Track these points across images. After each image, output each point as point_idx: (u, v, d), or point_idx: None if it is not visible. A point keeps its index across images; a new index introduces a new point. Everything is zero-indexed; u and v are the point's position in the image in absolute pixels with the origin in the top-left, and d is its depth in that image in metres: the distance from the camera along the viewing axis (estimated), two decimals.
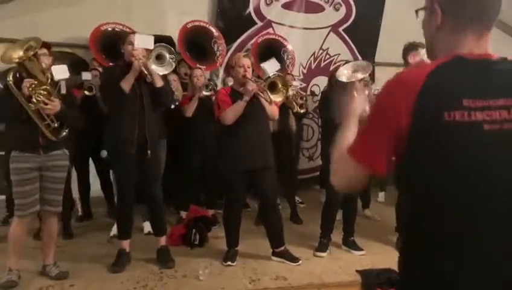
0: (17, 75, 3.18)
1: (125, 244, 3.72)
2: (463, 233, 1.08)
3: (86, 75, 4.69)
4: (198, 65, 5.03)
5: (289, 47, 5.87)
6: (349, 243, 4.16)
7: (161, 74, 3.54)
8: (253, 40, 5.93)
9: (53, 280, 3.38)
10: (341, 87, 3.89)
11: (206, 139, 4.62)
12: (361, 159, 1.16)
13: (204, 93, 4.57)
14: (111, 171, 4.54)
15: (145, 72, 3.41)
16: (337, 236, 4.22)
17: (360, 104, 1.46)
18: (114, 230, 4.26)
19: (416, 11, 1.25)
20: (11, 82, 3.09)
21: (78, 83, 4.76)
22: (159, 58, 3.54)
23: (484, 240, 1.08)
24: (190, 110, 4.60)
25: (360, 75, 3.97)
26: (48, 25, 5.29)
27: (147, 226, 4.38)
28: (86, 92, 4.55)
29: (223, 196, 4.90)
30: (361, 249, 4.10)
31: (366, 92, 3.92)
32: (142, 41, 3.44)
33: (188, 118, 4.61)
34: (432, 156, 1.07)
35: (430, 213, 1.11)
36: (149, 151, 3.53)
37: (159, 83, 3.51)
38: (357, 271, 3.41)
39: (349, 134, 1.30)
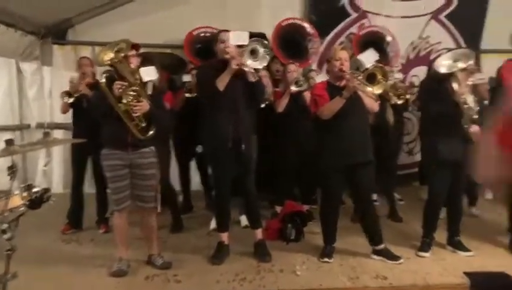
0: (110, 77, 3.34)
1: (224, 236, 3.81)
2: None
3: (186, 77, 4.85)
4: (291, 61, 5.00)
5: (391, 39, 5.62)
6: (455, 243, 3.91)
7: (257, 68, 3.56)
8: (350, 31, 5.78)
9: (158, 270, 3.56)
10: (440, 79, 3.69)
11: (300, 134, 4.58)
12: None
13: (294, 88, 4.54)
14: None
15: (242, 68, 3.46)
16: (440, 235, 3.98)
17: None
18: (213, 223, 4.39)
19: None
20: (103, 83, 3.27)
21: (179, 84, 4.97)
22: (253, 52, 3.55)
23: None
24: (281, 105, 4.60)
25: (461, 65, 3.72)
26: (150, 28, 5.61)
27: (244, 220, 4.46)
28: (187, 94, 4.70)
29: (316, 192, 4.88)
30: (469, 250, 3.83)
31: (470, 82, 3.68)
32: (237, 38, 3.48)
33: (281, 113, 4.61)
34: None
35: None
36: (243, 146, 3.58)
37: (253, 78, 3.54)
38: (464, 273, 3.17)
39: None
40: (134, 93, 3.28)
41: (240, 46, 3.53)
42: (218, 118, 3.59)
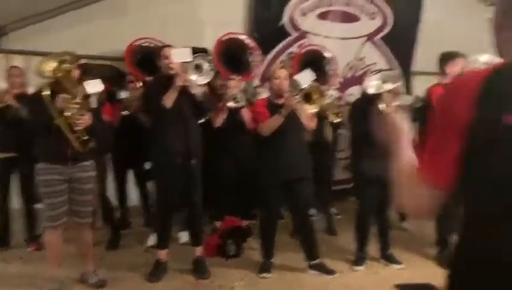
0: (52, 89, 3.21)
1: (163, 254, 3.75)
2: None
3: (124, 94, 4.74)
4: (233, 76, 5.04)
5: (330, 56, 5.80)
6: (387, 256, 4.07)
7: (201, 83, 3.58)
8: (290, 50, 5.92)
9: (92, 288, 3.45)
10: (370, 99, 3.86)
11: (238, 149, 4.63)
12: (429, 175, 1.14)
13: (231, 104, 4.51)
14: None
15: (186, 84, 3.48)
16: (374, 249, 4.14)
17: (403, 122, 1.38)
18: (151, 240, 4.31)
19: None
20: (47, 96, 3.16)
21: (116, 98, 4.87)
22: (198, 68, 3.58)
23: None
24: (218, 120, 4.61)
25: (388, 86, 3.92)
26: (87, 39, 5.46)
27: (183, 236, 4.42)
28: (124, 112, 4.62)
29: (256, 207, 4.92)
30: (400, 263, 4.00)
31: (396, 103, 3.87)
32: (180, 55, 3.50)
33: (219, 128, 4.62)
34: (491, 159, 1.05)
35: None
36: (193, 160, 3.58)
37: (199, 93, 3.58)
38: (395, 285, 3.31)
39: (405, 153, 1.27)
40: (78, 106, 3.20)
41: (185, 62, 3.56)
42: (166, 133, 3.59)
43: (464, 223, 1.16)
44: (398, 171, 1.25)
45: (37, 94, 3.26)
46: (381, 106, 3.66)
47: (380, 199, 3.86)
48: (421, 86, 5.18)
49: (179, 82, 3.46)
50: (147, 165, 4.60)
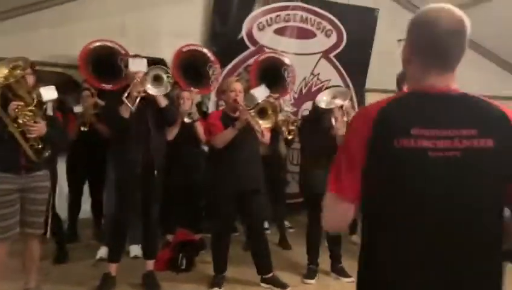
0: (3, 96, 3.12)
1: (113, 267, 3.66)
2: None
3: (78, 108, 4.61)
4: (191, 88, 5.00)
5: (288, 63, 5.86)
6: (338, 270, 4.13)
7: (157, 94, 3.54)
8: (247, 63, 5.96)
9: None
10: (320, 113, 3.95)
11: (191, 162, 4.60)
12: (338, 190, 1.31)
13: (186, 120, 4.42)
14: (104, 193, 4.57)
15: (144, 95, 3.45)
16: (326, 263, 4.19)
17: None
18: (100, 253, 4.20)
19: (399, 41, 1.47)
20: None
21: (67, 107, 4.73)
22: (157, 79, 3.55)
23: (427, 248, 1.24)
24: (171, 134, 4.57)
25: (339, 102, 4.03)
26: (39, 44, 5.29)
27: (133, 250, 4.33)
28: (82, 128, 4.51)
29: (209, 220, 4.89)
30: (350, 276, 4.06)
31: (345, 119, 3.98)
32: (136, 65, 3.47)
33: (172, 141, 4.58)
34: (385, 178, 1.25)
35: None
36: (155, 171, 3.54)
37: (163, 103, 3.55)
38: None
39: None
40: (31, 114, 3.10)
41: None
42: (127, 144, 3.55)
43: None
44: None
45: None
46: (332, 121, 3.74)
47: None
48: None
49: (133, 92, 3.42)
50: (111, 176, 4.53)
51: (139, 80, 3.45)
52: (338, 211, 1.34)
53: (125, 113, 3.45)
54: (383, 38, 6.51)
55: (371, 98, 6.43)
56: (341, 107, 3.83)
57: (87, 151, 4.62)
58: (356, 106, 5.64)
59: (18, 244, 3.37)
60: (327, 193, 1.34)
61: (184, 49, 5.42)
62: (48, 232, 3.84)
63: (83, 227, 5.06)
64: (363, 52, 6.57)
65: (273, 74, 5.56)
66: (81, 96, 4.75)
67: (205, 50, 5.59)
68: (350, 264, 4.21)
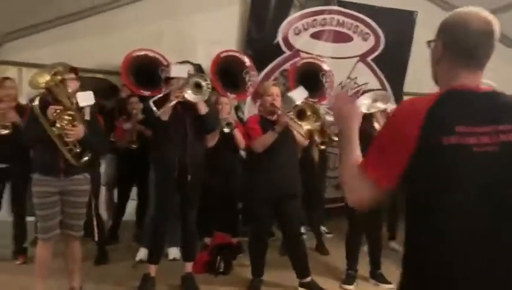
0: (44, 100, 3.22)
1: (152, 269, 3.71)
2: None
3: (127, 126, 4.83)
4: (228, 94, 5.04)
5: (327, 68, 5.84)
6: (377, 276, 4.05)
7: (196, 101, 3.58)
8: (283, 67, 5.96)
9: None
10: (364, 117, 3.88)
11: (230, 166, 4.64)
12: (372, 174, 1.34)
13: (225, 130, 4.40)
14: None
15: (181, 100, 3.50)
16: (365, 269, 4.12)
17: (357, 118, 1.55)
18: (140, 255, 4.27)
19: (428, 42, 1.47)
20: (36, 107, 3.14)
21: (108, 109, 4.87)
22: (197, 86, 3.58)
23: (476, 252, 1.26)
24: (211, 142, 4.61)
25: (380, 105, 3.96)
26: (82, 52, 5.47)
27: (172, 252, 4.38)
28: (133, 146, 4.75)
29: (246, 224, 4.90)
30: (390, 283, 3.98)
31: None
32: (178, 71, 3.53)
33: (212, 147, 4.62)
34: (434, 176, 1.28)
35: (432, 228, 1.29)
36: (189, 176, 3.57)
37: (204, 110, 3.58)
38: None
39: (353, 151, 1.46)
40: (70, 118, 3.18)
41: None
42: (164, 147, 3.61)
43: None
44: (345, 166, 1.45)
45: (30, 105, 3.26)
46: (376, 125, 3.69)
47: (373, 217, 3.87)
48: None
49: (172, 96, 3.47)
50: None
51: (178, 85, 3.50)
52: (365, 193, 1.37)
53: (164, 116, 3.50)
54: (420, 41, 6.38)
55: None
56: (383, 110, 3.78)
57: (135, 154, 4.75)
58: None
59: (60, 245, 3.46)
60: (360, 171, 1.37)
61: (222, 55, 5.48)
62: (96, 236, 3.98)
63: (123, 229, 5.17)
64: (402, 55, 6.48)
65: (311, 79, 5.54)
66: (129, 102, 4.89)
67: (242, 56, 5.64)
68: (389, 270, 4.14)
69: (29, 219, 4.26)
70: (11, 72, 5.40)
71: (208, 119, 3.65)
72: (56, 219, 3.30)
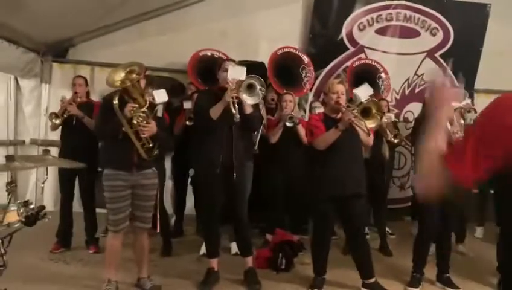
0: (121, 98, 3.35)
1: (214, 263, 3.79)
2: None
3: (187, 104, 4.86)
4: (284, 90, 5.04)
5: (383, 73, 5.72)
6: (444, 280, 3.90)
7: (249, 103, 3.61)
8: (346, 64, 5.88)
9: None
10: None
11: (292, 163, 4.64)
12: (457, 172, 1.31)
13: (288, 124, 4.49)
14: None
15: (235, 101, 3.51)
16: (430, 271, 3.98)
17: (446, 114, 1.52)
18: (203, 249, 4.37)
19: None
20: (116, 104, 3.28)
21: (174, 106, 5.01)
22: (250, 87, 3.61)
23: None
24: (275, 137, 4.63)
25: (455, 104, 3.79)
26: (149, 51, 5.67)
27: (234, 247, 4.44)
28: (187, 122, 4.73)
29: (307, 222, 4.89)
30: (458, 288, 3.83)
31: (462, 122, 3.73)
32: (235, 73, 3.56)
33: (274, 143, 4.65)
34: None
35: None
36: (235, 174, 3.61)
37: (248, 110, 3.61)
38: None
39: (437, 140, 1.42)
40: (144, 115, 3.32)
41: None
42: (209, 143, 3.64)
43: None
44: (428, 151, 1.41)
45: (106, 103, 3.41)
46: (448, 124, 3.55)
47: (443, 219, 3.74)
48: (484, 105, 4.97)
49: (228, 97, 3.50)
50: (191, 172, 4.73)
51: (232, 86, 3.52)
52: (440, 182, 1.35)
53: (214, 115, 3.53)
54: (493, 36, 6.07)
55: (480, 100, 6.02)
56: (457, 108, 3.63)
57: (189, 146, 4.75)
58: None
59: (129, 237, 3.62)
60: (443, 165, 1.34)
61: (278, 52, 5.49)
62: (158, 228, 4.12)
63: (188, 223, 5.31)
64: (472, 51, 6.18)
65: (367, 81, 5.42)
66: (192, 99, 4.99)
67: (298, 52, 5.61)
68: (456, 274, 3.99)
69: (100, 210, 4.48)
70: (84, 71, 5.71)
71: (250, 119, 3.65)
72: (126, 212, 3.44)
